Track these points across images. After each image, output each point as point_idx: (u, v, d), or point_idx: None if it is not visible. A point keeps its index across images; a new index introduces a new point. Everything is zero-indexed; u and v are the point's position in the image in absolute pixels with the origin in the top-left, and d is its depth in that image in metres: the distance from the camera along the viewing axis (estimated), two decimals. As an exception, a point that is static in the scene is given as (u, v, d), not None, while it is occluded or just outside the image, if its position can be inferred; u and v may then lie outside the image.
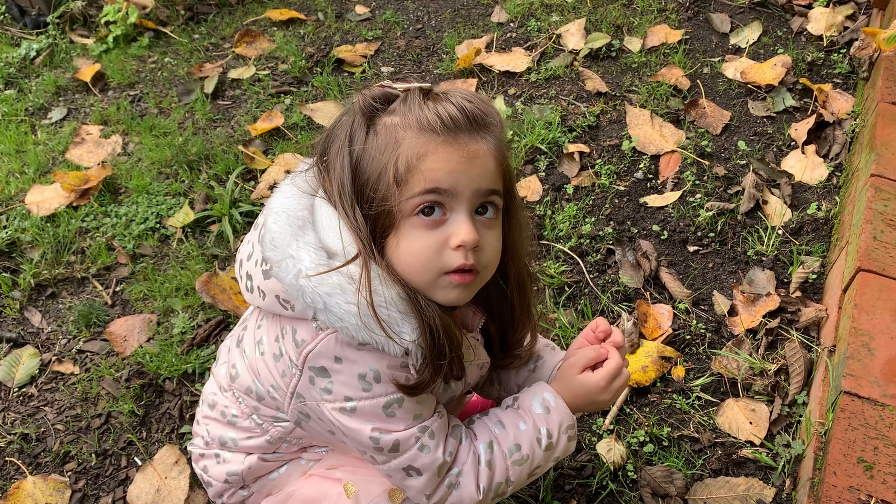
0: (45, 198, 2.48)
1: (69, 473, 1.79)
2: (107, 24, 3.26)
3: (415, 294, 1.10)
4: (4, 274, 2.25)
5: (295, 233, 1.10)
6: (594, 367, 1.27)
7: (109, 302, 2.18)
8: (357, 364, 1.11)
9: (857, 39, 2.69)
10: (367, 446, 1.17)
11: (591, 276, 2.12)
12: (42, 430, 1.88)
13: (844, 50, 2.75)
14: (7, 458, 1.82)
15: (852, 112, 2.47)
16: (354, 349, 1.10)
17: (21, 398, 1.96)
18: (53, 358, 2.04)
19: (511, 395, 1.33)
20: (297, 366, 1.14)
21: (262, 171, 2.51)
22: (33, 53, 3.22)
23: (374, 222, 1.10)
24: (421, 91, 1.12)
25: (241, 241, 1.26)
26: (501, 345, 1.36)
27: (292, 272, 1.07)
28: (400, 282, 1.09)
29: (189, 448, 1.48)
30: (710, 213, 2.21)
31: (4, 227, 2.39)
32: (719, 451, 1.73)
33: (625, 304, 2.04)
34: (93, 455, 1.82)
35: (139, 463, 1.79)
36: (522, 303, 1.31)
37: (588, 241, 2.20)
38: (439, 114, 1.08)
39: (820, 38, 2.82)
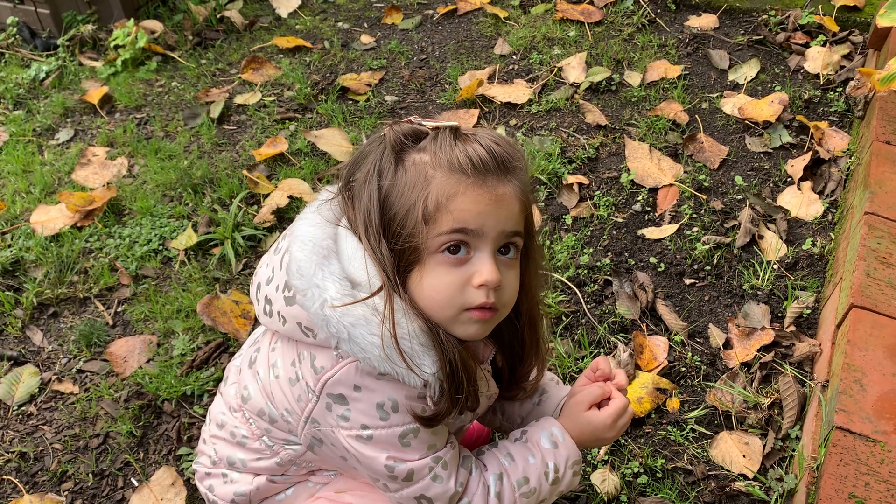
0: (50, 217, 2.51)
1: (66, 493, 1.80)
2: (116, 47, 3.32)
3: (436, 328, 1.12)
4: (7, 292, 2.27)
5: (320, 262, 1.12)
6: (599, 405, 1.31)
7: (111, 322, 2.20)
8: (376, 393, 1.13)
9: (853, 79, 2.74)
10: (381, 474, 1.19)
11: (589, 306, 2.14)
12: (40, 448, 1.89)
13: (840, 89, 2.80)
14: (4, 477, 1.83)
15: (848, 150, 2.51)
16: (374, 379, 1.12)
17: (20, 416, 1.97)
18: (53, 377, 2.05)
19: (518, 428, 1.36)
20: (315, 392, 1.16)
21: (266, 196, 2.54)
22: (42, 75, 3.27)
23: (399, 257, 1.12)
24: (451, 131, 1.14)
25: (259, 264, 1.28)
26: (510, 377, 1.38)
27: (318, 301, 1.09)
28: (422, 315, 1.12)
29: (194, 466, 1.49)
30: (707, 247, 2.24)
31: (9, 246, 2.42)
32: (713, 484, 1.74)
33: (621, 334, 2.06)
34: (90, 475, 1.83)
35: (136, 484, 1.80)
36: (532, 337, 1.33)
37: (586, 271, 2.23)
38: (469, 156, 1.10)
39: (817, 76, 2.87)
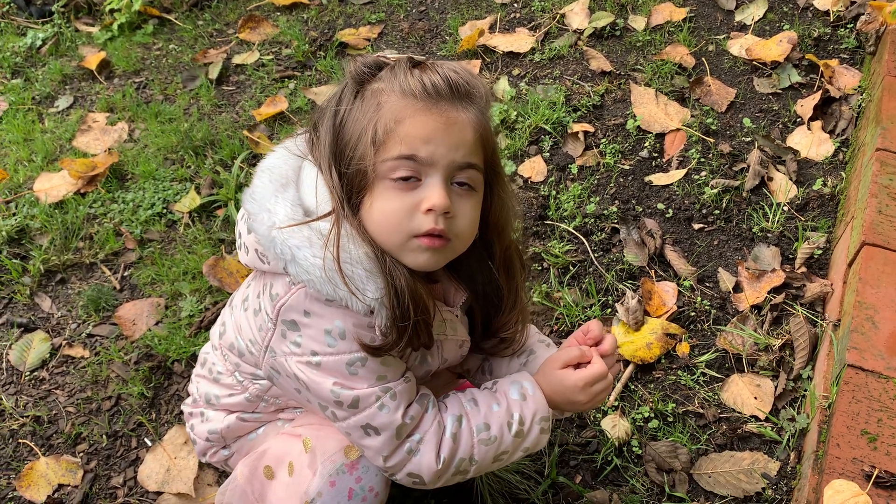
0: (53, 185, 2.50)
1: (81, 454, 1.82)
2: (111, 11, 3.27)
3: (383, 255, 1.13)
4: (14, 260, 2.27)
5: (276, 189, 1.16)
6: (579, 367, 1.28)
7: (118, 287, 2.21)
8: (324, 319, 1.14)
9: (863, 14, 2.67)
10: (328, 400, 1.19)
11: (596, 254, 2.12)
12: (54, 412, 1.91)
13: (851, 25, 2.72)
14: (20, 440, 1.85)
15: (859, 87, 2.45)
16: (323, 304, 1.13)
17: (33, 381, 1.99)
18: (64, 342, 2.06)
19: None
20: (272, 319, 1.18)
21: (268, 156, 2.52)
22: (39, 42, 3.24)
23: (351, 182, 1.14)
24: (410, 60, 1.15)
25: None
26: (485, 327, 1.37)
27: (266, 224, 1.12)
28: (370, 242, 1.13)
29: (182, 407, 1.52)
30: (715, 191, 2.20)
31: (14, 215, 2.42)
32: (724, 426, 1.73)
33: (629, 282, 2.04)
34: (104, 436, 1.85)
35: (149, 444, 1.82)
36: (510, 284, 1.32)
37: (593, 220, 2.20)
38: (422, 81, 1.11)
39: (826, 13, 2.79)
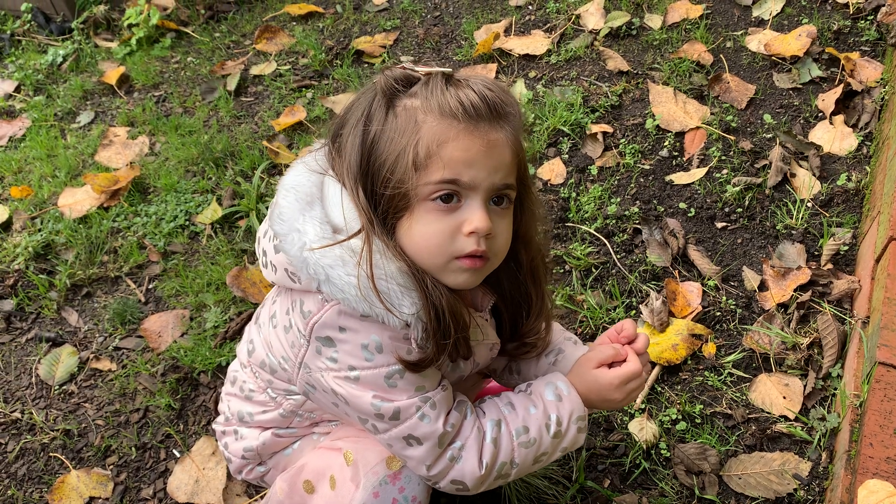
0: (77, 200, 2.53)
1: (111, 467, 1.83)
2: (129, 26, 3.31)
3: (420, 272, 1.12)
4: (41, 275, 2.30)
5: (303, 208, 1.15)
6: (613, 366, 1.28)
7: (143, 299, 2.23)
8: (360, 334, 1.14)
9: (884, 5, 2.63)
10: (369, 413, 1.19)
11: (619, 256, 2.11)
12: (83, 425, 1.93)
13: (872, 16, 2.69)
14: (51, 454, 1.87)
15: (881, 79, 2.42)
16: (357, 320, 1.13)
17: (62, 395, 2.01)
18: (91, 356, 2.09)
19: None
20: (305, 336, 1.18)
21: (287, 166, 2.53)
22: (60, 59, 3.28)
23: (389, 203, 1.12)
24: (443, 76, 1.13)
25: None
26: (512, 331, 1.38)
27: (297, 244, 1.12)
28: (403, 258, 1.12)
29: (214, 426, 1.53)
30: (738, 189, 2.18)
31: (39, 230, 2.45)
32: (753, 427, 1.71)
33: (653, 283, 2.03)
34: (133, 448, 1.86)
35: (178, 455, 1.83)
36: (537, 291, 1.33)
37: (614, 221, 2.19)
38: (461, 100, 1.09)
39: (846, 5, 2.76)
